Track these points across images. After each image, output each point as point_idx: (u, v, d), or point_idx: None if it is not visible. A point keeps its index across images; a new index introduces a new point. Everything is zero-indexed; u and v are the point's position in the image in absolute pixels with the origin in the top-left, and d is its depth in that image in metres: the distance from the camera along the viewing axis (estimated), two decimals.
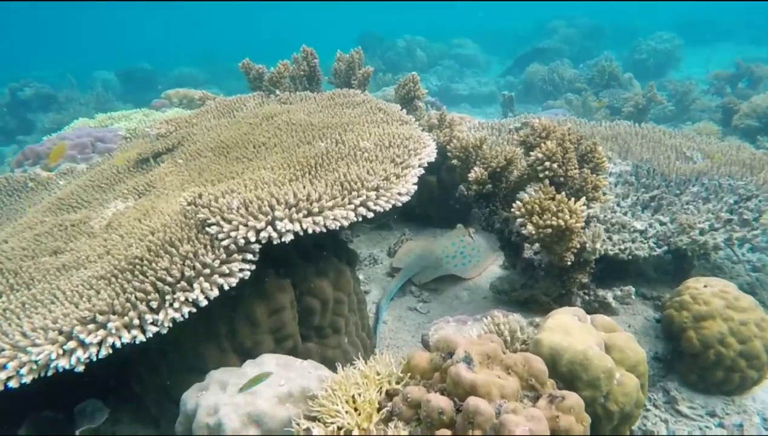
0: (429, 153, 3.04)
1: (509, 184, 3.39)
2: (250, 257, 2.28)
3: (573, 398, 1.70)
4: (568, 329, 2.21)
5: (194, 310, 2.15)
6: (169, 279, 2.13)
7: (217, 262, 2.20)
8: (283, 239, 2.27)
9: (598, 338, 2.20)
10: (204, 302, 2.15)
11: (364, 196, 2.44)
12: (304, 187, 2.50)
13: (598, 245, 2.83)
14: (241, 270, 2.25)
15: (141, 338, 2.01)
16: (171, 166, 3.71)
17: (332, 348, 2.73)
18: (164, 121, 4.42)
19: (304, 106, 4.05)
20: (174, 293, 2.12)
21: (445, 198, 4.65)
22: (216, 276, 2.18)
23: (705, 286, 2.97)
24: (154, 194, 3.33)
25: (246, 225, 2.26)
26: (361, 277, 4.28)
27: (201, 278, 2.16)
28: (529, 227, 2.61)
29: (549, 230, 2.56)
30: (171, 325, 2.09)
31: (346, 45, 5.28)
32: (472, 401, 1.63)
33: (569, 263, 2.79)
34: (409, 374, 1.94)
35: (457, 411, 1.72)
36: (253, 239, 2.25)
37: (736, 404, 2.84)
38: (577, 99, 9.38)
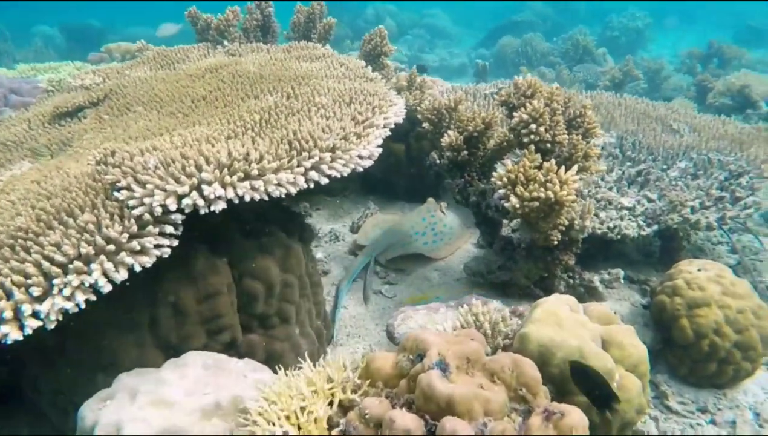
0: (397, 112, 2.60)
1: (487, 153, 3.00)
2: (170, 229, 1.81)
3: (575, 415, 1.33)
4: (560, 320, 1.85)
5: (93, 297, 1.67)
6: (59, 258, 1.64)
7: (126, 236, 1.72)
8: (213, 208, 1.80)
9: (594, 331, 1.85)
10: (107, 288, 1.67)
11: (317, 158, 1.99)
12: (243, 145, 2.03)
13: (587, 223, 2.48)
14: (158, 246, 1.78)
15: (15, 335, 1.53)
16: (94, 121, 3.15)
17: (280, 341, 2.29)
18: (90, 71, 3.80)
19: (255, 58, 3.52)
20: (66, 275, 1.63)
21: (413, 168, 4.23)
22: (123, 254, 1.70)
23: (699, 270, 2.68)
24: (67, 154, 2.79)
25: (164, 189, 1.78)
26: (320, 255, 3.84)
27: (103, 257, 1.68)
28: (512, 199, 2.22)
29: (535, 204, 2.18)
30: (60, 318, 1.61)
31: None
32: (449, 423, 1.24)
33: (555, 242, 2.42)
34: (368, 381, 1.53)
35: (429, 432, 1.33)
36: (173, 208, 1.77)
37: (728, 398, 2.59)
38: (550, 72, 9.07)
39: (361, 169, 2.15)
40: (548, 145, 2.41)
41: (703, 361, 2.54)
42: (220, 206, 1.80)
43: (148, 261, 1.76)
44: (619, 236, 2.84)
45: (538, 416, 1.35)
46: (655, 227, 2.96)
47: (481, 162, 3.00)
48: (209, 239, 2.16)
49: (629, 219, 2.96)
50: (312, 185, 1.98)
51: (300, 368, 1.64)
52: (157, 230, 1.78)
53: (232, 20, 3.98)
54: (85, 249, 1.67)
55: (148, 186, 1.78)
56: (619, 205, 3.07)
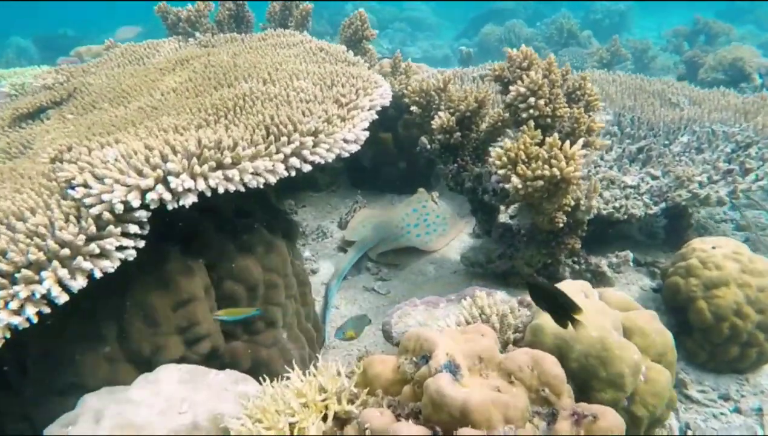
0: (383, 94, 2.40)
1: (480, 135, 2.81)
2: (134, 229, 1.60)
3: (610, 417, 1.15)
4: None
5: (47, 309, 1.46)
6: (4, 267, 1.42)
7: (82, 238, 1.51)
8: (182, 203, 1.60)
9: (614, 319, 1.67)
10: (63, 298, 1.47)
11: (298, 143, 1.79)
12: (214, 132, 1.82)
13: (593, 202, 2.30)
14: (121, 248, 1.57)
15: None
16: (57, 122, 2.92)
17: (267, 347, 2.09)
18: (53, 69, 3.56)
19: (229, 48, 3.30)
20: (12, 286, 1.42)
21: (402, 158, 4.04)
22: (81, 259, 1.49)
23: (714, 247, 2.52)
24: (27, 156, 2.56)
25: (125, 184, 1.57)
26: (307, 253, 3.64)
27: (56, 263, 1.46)
28: (514, 179, 2.04)
29: (539, 183, 1.99)
30: (7, 335, 1.39)
31: None
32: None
33: (561, 225, 2.24)
34: (366, 389, 1.34)
35: None
36: (136, 204, 1.56)
37: (751, 383, 2.44)
38: None
39: (347, 155, 1.95)
40: (548, 120, 2.22)
41: (724, 345, 2.38)
42: (189, 200, 1.59)
43: (110, 266, 1.55)
44: (625, 216, 2.67)
45: (566, 421, 1.17)
46: (663, 205, 2.79)
47: (474, 145, 2.81)
48: (183, 238, 1.96)
49: (634, 198, 2.79)
50: (293, 173, 1.78)
51: (288, 377, 1.44)
52: (119, 229, 1.57)
53: (204, 10, 3.76)
54: (35, 255, 1.45)
55: (107, 181, 1.57)
56: (622, 184, 2.90)
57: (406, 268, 3.45)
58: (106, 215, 1.56)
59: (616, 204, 2.65)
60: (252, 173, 1.66)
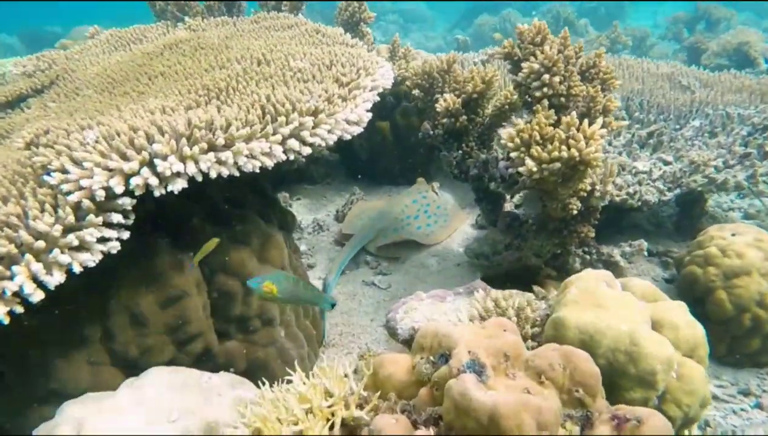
0: (385, 74, 2.26)
1: (485, 119, 2.67)
2: (118, 218, 1.45)
3: (657, 421, 1.02)
4: (600, 300, 1.53)
5: (20, 309, 1.31)
6: None
7: (59, 228, 1.35)
8: (170, 188, 1.45)
9: (642, 311, 1.54)
10: (38, 296, 1.32)
11: (296, 123, 1.64)
12: (205, 113, 1.67)
13: (609, 188, 2.18)
14: (103, 240, 1.42)
15: None
16: (38, 110, 2.75)
17: (264, 346, 1.95)
18: (34, 56, 3.39)
19: (221, 32, 3.14)
20: None
21: (401, 148, 3.89)
22: (57, 251, 1.34)
23: (734, 234, 2.40)
24: (5, 145, 2.40)
25: (107, 168, 1.42)
26: (303, 247, 3.49)
27: (29, 257, 1.31)
28: (528, 162, 1.90)
29: (556, 165, 1.85)
30: None
31: None
32: None
33: (575, 212, 2.11)
34: (377, 393, 1.20)
35: None
36: (119, 190, 1.41)
37: None
38: None
39: (349, 137, 1.80)
40: (562, 99, 2.08)
41: (744, 337, 2.27)
42: (179, 185, 1.44)
43: (91, 259, 1.40)
44: (639, 203, 2.54)
45: (604, 425, 1.04)
46: (677, 191, 2.67)
47: (479, 130, 2.67)
48: (172, 230, 1.81)
49: (647, 184, 2.66)
50: (292, 157, 1.63)
51: (290, 380, 1.30)
52: (100, 219, 1.42)
53: None
54: (6, 248, 1.30)
55: (86, 164, 1.42)
56: (633, 170, 2.77)
57: (407, 261, 3.31)
58: (86, 203, 1.41)
59: (630, 190, 2.52)
60: (247, 156, 1.51)
